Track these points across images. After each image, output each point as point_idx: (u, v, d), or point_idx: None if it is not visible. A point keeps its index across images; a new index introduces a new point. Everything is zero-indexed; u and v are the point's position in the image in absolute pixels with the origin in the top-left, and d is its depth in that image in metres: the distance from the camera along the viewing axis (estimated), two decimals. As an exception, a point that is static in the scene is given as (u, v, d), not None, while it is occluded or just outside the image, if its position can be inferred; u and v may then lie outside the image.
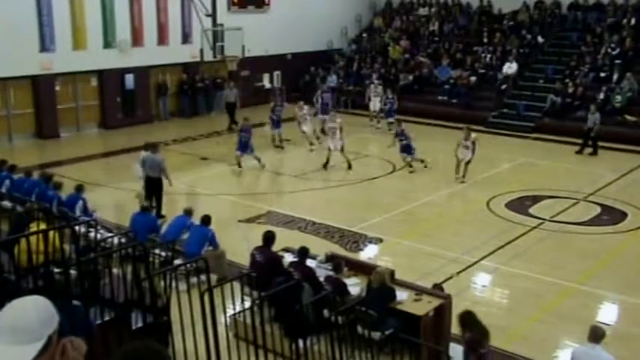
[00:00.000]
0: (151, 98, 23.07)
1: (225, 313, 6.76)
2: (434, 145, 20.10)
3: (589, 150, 18.97)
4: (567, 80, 22.12)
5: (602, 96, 21.12)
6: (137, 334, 6.52)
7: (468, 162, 15.74)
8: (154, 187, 12.82)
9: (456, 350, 8.08)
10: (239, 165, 16.37)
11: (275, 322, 7.68)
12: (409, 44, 27.30)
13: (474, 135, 15.94)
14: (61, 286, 6.01)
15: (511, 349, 8.34)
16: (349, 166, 16.67)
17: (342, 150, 16.67)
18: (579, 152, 18.96)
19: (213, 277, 8.00)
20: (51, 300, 2.16)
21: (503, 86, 23.10)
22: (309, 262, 8.45)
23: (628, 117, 20.59)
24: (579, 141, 19.25)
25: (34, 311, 2.06)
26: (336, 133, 16.63)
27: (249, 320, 6.75)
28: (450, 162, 15.84)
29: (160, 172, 12.86)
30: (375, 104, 22.38)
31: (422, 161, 16.82)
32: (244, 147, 16.33)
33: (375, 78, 25.25)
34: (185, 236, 10.20)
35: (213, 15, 21.49)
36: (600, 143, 19.34)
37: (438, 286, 8.73)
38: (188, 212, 10.64)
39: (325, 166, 16.74)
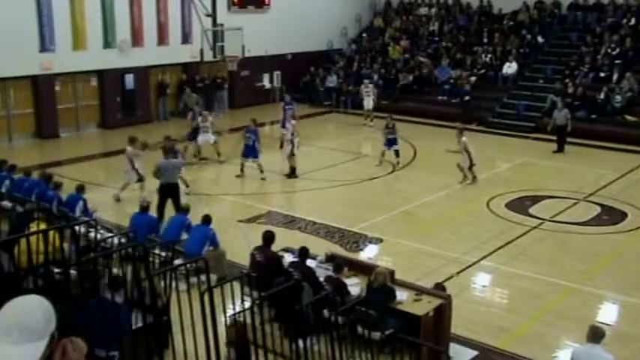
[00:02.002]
0: (151, 98, 23.08)
1: (225, 313, 6.75)
2: (434, 145, 20.12)
3: (556, 147, 18.97)
4: (567, 80, 22.13)
5: (602, 96, 21.14)
6: (137, 334, 6.52)
7: (469, 167, 15.33)
8: (171, 193, 12.38)
9: (456, 350, 8.09)
10: (242, 170, 16.06)
11: (275, 322, 7.67)
12: (409, 44, 27.31)
13: (463, 138, 15.41)
14: (62, 286, 6.02)
15: (511, 349, 8.35)
16: (292, 172, 16.26)
17: (291, 155, 16.25)
18: (560, 151, 18.97)
19: (213, 277, 8.00)
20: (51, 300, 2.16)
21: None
22: (309, 262, 8.45)
23: (628, 117, 20.60)
24: (578, 141, 19.32)
25: (39, 310, 2.07)
26: (288, 141, 16.37)
27: (249, 320, 6.74)
28: (449, 162, 15.81)
29: (177, 177, 12.69)
30: (368, 102, 22.47)
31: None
32: (250, 151, 15.89)
33: (375, 77, 25.34)
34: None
35: (213, 15, 21.47)
36: (601, 143, 19.39)
37: (439, 285, 8.72)
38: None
39: (292, 174, 16.33)
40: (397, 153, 17.24)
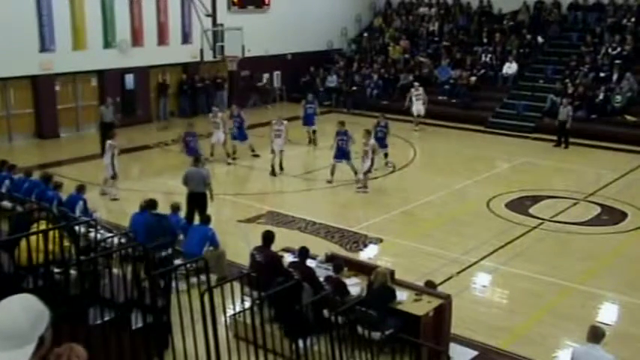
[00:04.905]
0: (150, 98, 23.08)
1: (225, 313, 6.75)
2: (434, 145, 20.17)
3: (556, 142, 19.58)
4: (567, 80, 22.13)
5: (601, 96, 21.15)
6: (137, 334, 6.52)
7: (366, 171, 14.82)
8: (197, 203, 12.02)
9: (456, 350, 8.09)
10: (332, 174, 15.51)
11: (275, 322, 7.68)
12: (409, 44, 27.30)
13: (371, 141, 14.91)
14: (61, 286, 6.02)
15: (511, 349, 8.35)
16: (280, 169, 16.40)
17: (279, 152, 16.26)
18: (557, 146, 19.52)
19: (213, 277, 8.01)
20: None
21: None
22: (309, 262, 8.45)
23: (628, 117, 20.60)
24: (578, 140, 19.38)
25: (23, 312, 1.94)
26: (281, 136, 16.25)
27: (249, 320, 6.75)
28: (450, 162, 15.83)
29: (204, 187, 12.21)
30: (418, 107, 21.56)
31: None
32: (343, 154, 15.48)
33: (375, 77, 25.35)
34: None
35: (213, 15, 21.48)
36: (601, 143, 19.41)
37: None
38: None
39: (275, 171, 16.31)
40: (386, 155, 16.93)
